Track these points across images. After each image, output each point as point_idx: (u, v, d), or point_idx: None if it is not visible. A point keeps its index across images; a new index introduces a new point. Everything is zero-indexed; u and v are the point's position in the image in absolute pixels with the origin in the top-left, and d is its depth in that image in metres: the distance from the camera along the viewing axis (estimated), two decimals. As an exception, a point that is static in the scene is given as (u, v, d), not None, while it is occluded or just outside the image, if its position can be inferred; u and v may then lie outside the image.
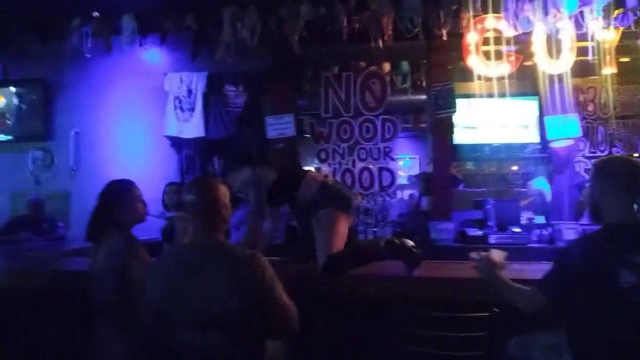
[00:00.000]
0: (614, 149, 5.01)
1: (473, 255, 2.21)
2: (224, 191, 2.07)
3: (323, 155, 5.14)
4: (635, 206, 1.92)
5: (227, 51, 4.47)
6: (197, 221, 2.01)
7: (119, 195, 2.37)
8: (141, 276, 2.15)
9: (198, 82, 5.25)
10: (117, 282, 2.19)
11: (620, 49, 4.45)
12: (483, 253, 2.19)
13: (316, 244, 2.64)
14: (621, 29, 4.15)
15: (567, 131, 4.47)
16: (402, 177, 7.53)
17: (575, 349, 1.92)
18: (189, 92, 5.24)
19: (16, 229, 4.69)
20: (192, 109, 5.23)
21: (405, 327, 2.08)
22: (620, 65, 4.50)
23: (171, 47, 5.17)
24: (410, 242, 2.65)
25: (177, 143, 5.29)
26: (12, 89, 5.66)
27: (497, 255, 2.19)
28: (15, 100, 5.65)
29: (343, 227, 2.67)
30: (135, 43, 4.83)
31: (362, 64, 5.29)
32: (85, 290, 2.28)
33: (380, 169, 4.96)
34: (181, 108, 5.26)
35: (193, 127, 5.21)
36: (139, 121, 5.44)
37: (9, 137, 5.66)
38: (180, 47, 5.16)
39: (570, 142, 4.56)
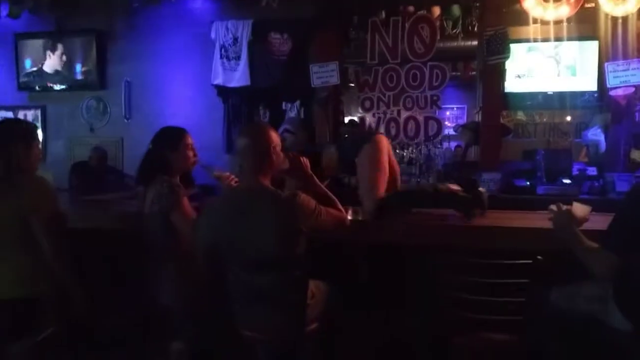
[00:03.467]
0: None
1: (552, 207, 2.04)
2: (275, 137, 2.13)
3: (367, 104, 5.06)
4: None
5: (272, -3, 4.41)
6: (247, 165, 2.09)
7: (171, 141, 2.45)
8: (181, 225, 2.26)
9: (244, 30, 5.23)
10: (164, 224, 2.30)
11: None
12: (564, 206, 2.03)
13: (360, 191, 2.65)
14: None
15: (628, 78, 4.21)
16: (448, 127, 7.38)
17: (623, 300, 1.89)
18: (235, 40, 5.24)
19: (83, 181, 4.86)
20: (238, 58, 5.25)
21: (449, 274, 2.11)
22: (692, 5, 4.15)
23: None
24: (456, 187, 2.63)
25: (223, 92, 5.36)
26: (67, 39, 5.82)
27: (579, 209, 2.00)
28: (69, 51, 5.83)
29: (380, 156, 2.67)
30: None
31: (411, 8, 5.10)
32: (138, 231, 2.41)
33: (427, 118, 4.86)
34: (227, 57, 5.28)
35: (239, 76, 5.23)
36: (187, 70, 5.53)
37: (64, 87, 5.88)
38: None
39: (630, 90, 4.30)
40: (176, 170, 2.44)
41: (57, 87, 5.88)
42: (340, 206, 2.25)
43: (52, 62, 5.85)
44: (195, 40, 5.44)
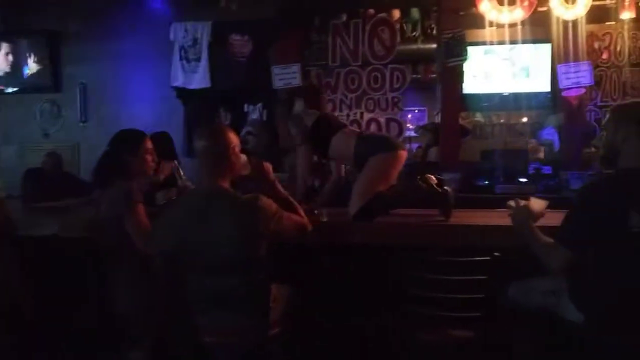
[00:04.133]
0: (626, 98, 4.90)
1: (511, 203, 2.09)
2: (234, 139, 2.10)
3: (330, 106, 5.10)
4: None
5: (231, -1, 4.37)
6: (205, 167, 2.06)
7: (130, 145, 2.39)
8: (133, 231, 2.20)
9: (203, 31, 5.17)
10: (119, 230, 2.24)
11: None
12: (522, 201, 2.08)
13: (354, 188, 2.66)
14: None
15: (579, 79, 4.37)
16: (410, 129, 7.47)
17: (576, 294, 1.95)
18: (195, 41, 5.17)
19: (37, 187, 4.67)
20: (198, 59, 5.18)
21: (411, 273, 2.13)
22: (638, 9, 4.35)
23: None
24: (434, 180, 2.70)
25: (183, 94, 5.27)
26: (14, 39, 5.60)
27: (536, 204, 2.05)
28: (16, 51, 5.60)
29: (392, 169, 2.71)
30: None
31: (371, 11, 5.15)
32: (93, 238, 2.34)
33: (388, 120, 4.92)
34: (187, 58, 5.20)
35: (199, 78, 5.17)
36: (145, 72, 5.42)
37: (16, 89, 5.65)
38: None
39: (581, 91, 4.46)
40: (134, 174, 2.37)
41: (10, 89, 5.64)
42: (302, 212, 2.24)
43: (-3, 62, 5.60)
44: (154, 42, 5.33)
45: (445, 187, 2.66)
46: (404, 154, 2.79)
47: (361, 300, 2.57)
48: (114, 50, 5.41)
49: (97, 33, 5.40)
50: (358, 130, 2.89)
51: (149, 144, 2.44)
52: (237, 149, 2.11)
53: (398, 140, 2.81)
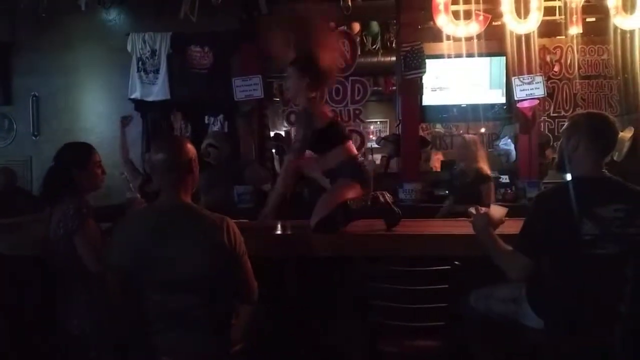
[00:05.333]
0: (577, 109, 5.11)
1: (471, 209, 2.12)
2: (193, 151, 2.04)
3: (292, 118, 5.11)
4: (605, 161, 1.96)
5: (191, 10, 4.31)
6: (166, 181, 1.98)
7: (76, 159, 2.30)
8: (82, 249, 2.12)
9: (162, 42, 5.08)
10: (70, 248, 2.15)
11: (587, 9, 4.49)
12: (483, 208, 2.12)
13: (318, 202, 2.60)
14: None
15: (532, 91, 4.53)
16: (372, 140, 7.55)
17: (534, 300, 1.99)
18: (153, 53, 5.07)
19: None
20: (157, 71, 5.08)
21: (370, 283, 2.12)
22: (586, 25, 4.55)
23: (133, 6, 4.97)
24: (389, 195, 2.68)
25: (141, 106, 5.15)
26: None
27: (496, 211, 2.10)
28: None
29: (348, 196, 2.64)
30: (94, 2, 4.62)
31: (332, 24, 5.20)
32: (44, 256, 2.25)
33: (350, 132, 4.94)
34: (145, 70, 5.10)
35: (158, 90, 5.06)
36: (101, 84, 5.28)
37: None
38: (142, 6, 4.97)
39: (535, 102, 4.62)
40: (84, 189, 2.28)
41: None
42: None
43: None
44: (110, 53, 5.21)
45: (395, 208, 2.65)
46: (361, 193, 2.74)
47: (323, 313, 2.55)
48: (68, 62, 5.25)
49: (49, 44, 5.22)
50: (355, 152, 2.80)
51: (98, 157, 2.36)
52: (196, 160, 2.05)
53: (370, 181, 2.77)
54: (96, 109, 5.26)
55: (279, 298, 2.50)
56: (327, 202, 2.59)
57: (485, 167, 4.11)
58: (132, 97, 5.12)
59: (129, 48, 5.14)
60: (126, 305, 2.02)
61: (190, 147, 2.02)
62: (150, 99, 5.09)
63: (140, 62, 5.10)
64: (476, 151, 4.13)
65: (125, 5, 4.94)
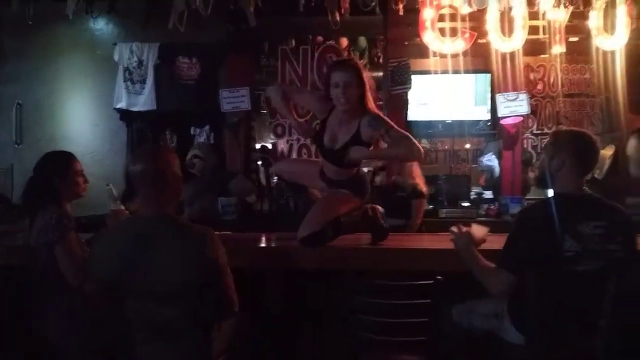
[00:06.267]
0: (560, 127, 5.18)
1: (453, 228, 2.14)
2: (176, 161, 2.02)
3: (279, 131, 5.12)
4: (586, 178, 1.99)
5: (179, 21, 4.31)
6: (148, 193, 1.95)
7: (58, 168, 2.28)
8: (63, 259, 2.09)
9: (149, 53, 5.06)
10: (51, 258, 2.12)
11: (570, 29, 4.58)
12: (464, 227, 2.14)
13: (308, 213, 2.54)
14: (571, 8, 4.26)
15: (516, 108, 4.59)
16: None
17: (515, 316, 2.00)
18: (140, 63, 5.05)
19: None
20: (143, 81, 5.05)
21: (354, 296, 2.12)
22: (569, 44, 4.64)
23: (121, 15, 4.96)
24: (381, 210, 2.64)
25: (127, 116, 5.11)
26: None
27: (477, 230, 2.12)
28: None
29: (344, 210, 2.59)
30: (82, 11, 4.60)
31: (320, 38, 5.24)
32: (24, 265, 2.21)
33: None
34: (131, 80, 5.07)
35: (144, 100, 5.03)
36: (86, 93, 5.22)
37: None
38: (130, 16, 4.96)
39: (518, 119, 4.69)
40: (65, 198, 2.26)
41: None
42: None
43: None
44: (97, 62, 5.17)
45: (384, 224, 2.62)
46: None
47: (307, 325, 2.53)
48: (53, 70, 5.20)
49: (34, 51, 5.18)
50: None
51: (79, 166, 2.34)
52: (179, 170, 2.03)
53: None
54: (81, 117, 5.20)
55: (263, 310, 2.48)
56: (323, 213, 2.52)
57: (421, 184, 4.08)
58: (118, 106, 5.08)
59: (115, 58, 5.11)
60: (107, 315, 2.00)
61: (171, 157, 2.01)
62: (136, 109, 5.06)
63: (127, 72, 5.07)
64: (411, 166, 4.09)
65: (113, 14, 4.91)
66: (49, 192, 2.22)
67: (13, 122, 5.26)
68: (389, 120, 2.53)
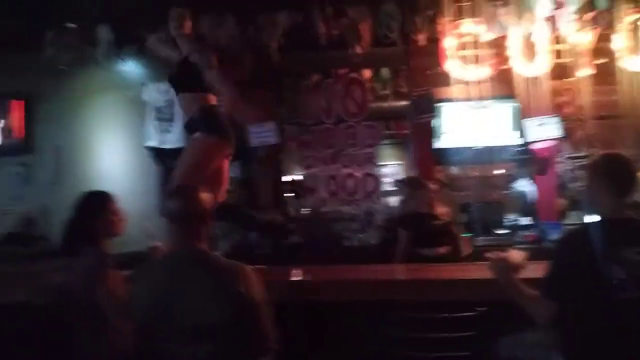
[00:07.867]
0: (594, 150, 5.06)
1: (490, 255, 2.08)
2: (208, 199, 2.05)
3: (307, 163, 5.15)
4: (627, 201, 1.93)
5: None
6: (181, 231, 1.98)
7: (94, 208, 2.31)
8: (103, 299, 2.10)
9: (177, 92, 5.18)
10: (90, 297, 2.13)
11: (596, 51, 4.53)
12: (501, 253, 2.08)
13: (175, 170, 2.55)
14: (597, 30, 4.23)
15: (546, 132, 4.52)
16: (388, 183, 7.51)
17: (564, 346, 1.92)
18: (168, 102, 5.17)
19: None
20: (171, 119, 5.16)
21: (392, 330, 2.06)
22: (597, 66, 4.58)
23: (148, 57, 5.12)
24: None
25: (158, 154, 5.21)
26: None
27: (515, 256, 2.05)
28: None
29: (215, 160, 2.58)
30: (111, 54, 4.78)
31: (342, 71, 5.31)
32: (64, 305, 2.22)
33: (364, 175, 4.97)
34: (160, 118, 5.19)
35: (174, 137, 5.13)
36: (118, 133, 5.37)
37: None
38: (157, 57, 5.12)
39: (550, 143, 4.60)
40: (103, 237, 2.29)
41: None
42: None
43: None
44: (127, 102, 5.32)
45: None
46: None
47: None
48: (86, 111, 5.37)
49: (69, 95, 5.36)
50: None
51: (115, 204, 2.37)
52: (210, 208, 2.05)
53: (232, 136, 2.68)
54: (114, 156, 5.34)
55: (288, 345, 2.43)
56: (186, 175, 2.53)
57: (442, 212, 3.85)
58: (149, 144, 5.20)
59: (145, 97, 5.26)
60: (145, 354, 1.98)
61: (205, 196, 2.04)
62: (166, 146, 5.17)
63: (156, 111, 5.20)
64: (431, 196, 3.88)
65: (140, 56, 5.08)
66: (88, 232, 2.25)
67: (50, 164, 5.42)
68: None
